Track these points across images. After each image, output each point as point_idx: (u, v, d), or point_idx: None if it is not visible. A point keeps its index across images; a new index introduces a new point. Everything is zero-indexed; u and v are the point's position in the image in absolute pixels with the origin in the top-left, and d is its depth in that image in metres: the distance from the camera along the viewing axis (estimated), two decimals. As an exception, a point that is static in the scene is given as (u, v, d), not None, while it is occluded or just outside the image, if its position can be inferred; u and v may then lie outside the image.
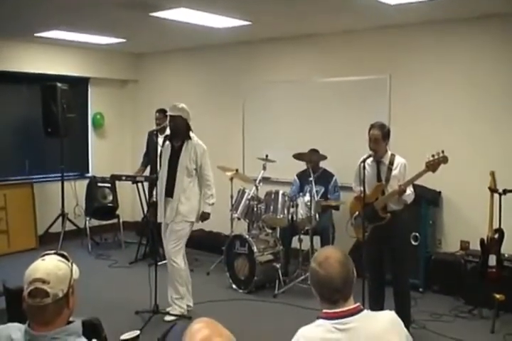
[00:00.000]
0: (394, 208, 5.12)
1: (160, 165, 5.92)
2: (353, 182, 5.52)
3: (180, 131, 5.75)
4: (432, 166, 4.78)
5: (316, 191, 6.70)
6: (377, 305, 5.08)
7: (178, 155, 5.77)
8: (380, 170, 5.15)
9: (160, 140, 6.49)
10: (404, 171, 5.08)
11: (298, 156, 6.85)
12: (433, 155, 4.78)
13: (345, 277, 2.37)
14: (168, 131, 7.49)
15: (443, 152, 4.77)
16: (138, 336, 2.40)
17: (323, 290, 2.38)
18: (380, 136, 5.07)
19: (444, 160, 4.76)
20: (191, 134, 5.80)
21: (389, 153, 5.18)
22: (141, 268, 7.30)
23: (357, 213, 5.34)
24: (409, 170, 5.08)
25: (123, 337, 2.38)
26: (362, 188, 5.02)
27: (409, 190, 5.05)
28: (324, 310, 2.38)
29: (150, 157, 8.10)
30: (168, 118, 5.87)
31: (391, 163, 5.12)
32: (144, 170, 8.40)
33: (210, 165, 5.86)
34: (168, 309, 5.74)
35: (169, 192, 5.78)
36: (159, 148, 6.33)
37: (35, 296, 2.20)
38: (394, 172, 5.09)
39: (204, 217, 5.88)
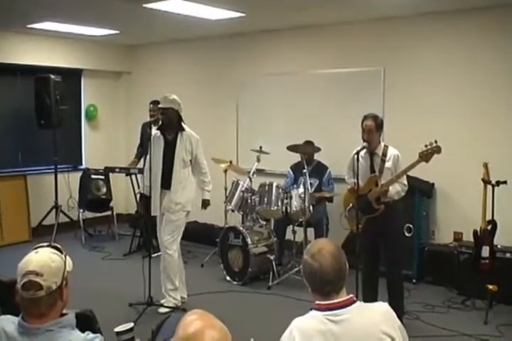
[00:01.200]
0: (388, 199, 5.12)
1: (150, 157, 5.85)
2: (346, 174, 5.53)
3: (172, 122, 5.74)
4: (425, 156, 4.79)
5: (310, 183, 6.69)
6: (370, 297, 5.10)
7: (173, 147, 5.75)
8: (374, 161, 5.16)
9: (154, 132, 6.47)
10: (397, 162, 5.09)
11: (292, 148, 6.83)
12: (426, 145, 4.79)
13: (337, 269, 2.37)
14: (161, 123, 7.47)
15: (436, 142, 4.77)
16: (132, 328, 2.39)
17: (315, 282, 2.39)
18: (373, 127, 5.07)
19: (438, 150, 4.76)
20: (184, 125, 5.79)
21: (382, 144, 5.19)
22: (135, 260, 7.31)
23: (351, 205, 5.34)
24: (402, 161, 5.08)
25: (117, 329, 2.37)
26: (355, 180, 5.03)
27: (398, 187, 5.06)
28: (317, 302, 2.39)
29: (144, 149, 8.08)
30: (159, 110, 5.83)
31: (384, 154, 5.12)
32: (138, 162, 8.37)
33: (203, 154, 5.89)
34: (162, 301, 5.75)
35: (166, 184, 5.77)
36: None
37: (29, 289, 2.19)
38: (387, 164, 5.10)
39: (205, 203, 5.95)
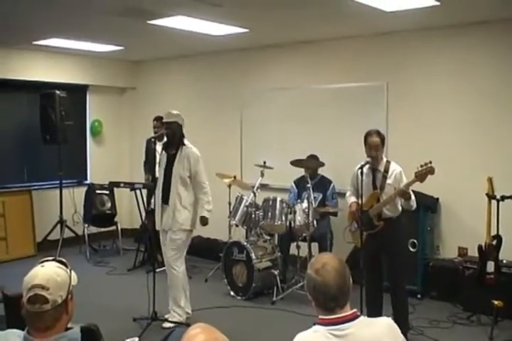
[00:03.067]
0: (389, 215, 5.14)
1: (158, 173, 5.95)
2: (348, 191, 5.53)
3: (176, 137, 5.77)
4: (420, 176, 4.79)
5: (314, 197, 6.70)
6: (375, 312, 5.08)
7: (172, 163, 5.77)
8: (376, 177, 5.18)
9: (158, 147, 6.51)
10: (400, 178, 5.09)
11: (296, 163, 6.85)
12: (421, 166, 4.79)
13: (341, 285, 2.37)
14: (165, 139, 7.52)
15: (430, 162, 4.77)
16: (137, 342, 2.40)
17: (318, 297, 2.39)
18: (379, 142, 5.11)
19: (431, 170, 4.74)
20: (185, 141, 5.81)
21: (384, 160, 5.21)
22: (140, 275, 7.29)
23: (353, 220, 5.36)
24: (406, 176, 5.09)
25: (122, 343, 2.38)
26: (360, 195, 5.03)
27: (412, 196, 5.06)
28: (320, 316, 2.39)
29: (149, 164, 8.11)
30: (164, 125, 5.86)
31: (386, 170, 5.14)
32: (151, 178, 8.38)
33: (204, 172, 5.82)
34: (166, 316, 5.74)
35: (165, 199, 5.78)
36: (157, 156, 6.33)
37: (35, 302, 2.21)
38: (389, 181, 5.11)
39: (203, 221, 5.80)
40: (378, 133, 5.15)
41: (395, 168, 5.14)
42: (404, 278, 5.38)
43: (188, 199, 5.77)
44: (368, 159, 5.09)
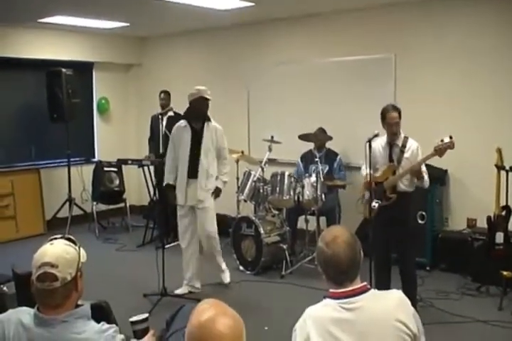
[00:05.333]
0: (404, 189, 5.14)
1: (170, 147, 5.97)
2: (363, 164, 5.52)
3: (202, 112, 5.84)
4: (440, 150, 4.82)
5: (321, 169, 6.68)
6: (383, 285, 5.08)
7: (200, 136, 5.83)
8: (393, 151, 5.17)
9: (163, 122, 6.51)
10: (417, 153, 5.09)
11: (304, 137, 6.83)
12: (442, 140, 4.81)
13: (352, 258, 2.36)
14: (170, 113, 7.54)
15: (451, 137, 4.77)
16: (146, 318, 2.41)
17: (329, 270, 2.39)
18: (398, 118, 5.11)
19: (452, 145, 4.77)
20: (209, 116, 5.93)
21: (402, 135, 5.19)
22: (149, 251, 7.33)
23: (367, 192, 5.36)
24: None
25: (132, 319, 2.40)
26: (369, 168, 5.03)
27: (426, 176, 5.07)
28: (331, 290, 2.39)
29: (155, 142, 8.12)
30: (203, 101, 5.78)
31: (404, 145, 5.14)
32: (154, 156, 8.41)
33: (227, 148, 6.08)
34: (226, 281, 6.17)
35: (193, 173, 5.83)
36: (161, 131, 6.33)
37: (44, 280, 2.22)
38: (406, 155, 5.12)
39: (217, 191, 5.97)
40: (396, 108, 5.14)
41: (412, 143, 5.14)
42: (412, 251, 5.39)
43: (213, 170, 5.92)
44: (376, 132, 5.05)
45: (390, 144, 5.17)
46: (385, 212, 5.11)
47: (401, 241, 5.22)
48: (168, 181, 5.97)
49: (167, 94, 8.11)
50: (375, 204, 4.97)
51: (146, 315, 2.42)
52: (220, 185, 5.97)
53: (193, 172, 5.82)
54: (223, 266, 6.26)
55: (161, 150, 7.75)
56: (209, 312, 1.77)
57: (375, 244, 5.18)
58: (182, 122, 5.92)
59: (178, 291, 5.87)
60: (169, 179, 5.98)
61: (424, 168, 5.08)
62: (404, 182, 5.13)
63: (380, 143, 5.18)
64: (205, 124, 5.85)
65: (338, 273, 2.36)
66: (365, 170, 5.31)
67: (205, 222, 5.92)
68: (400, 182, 5.12)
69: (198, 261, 6.04)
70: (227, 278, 6.24)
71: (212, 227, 5.99)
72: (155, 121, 8.10)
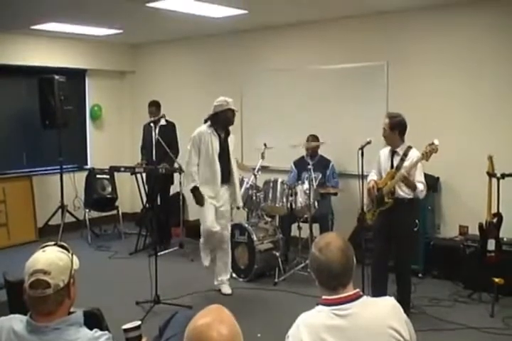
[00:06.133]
0: (402, 195, 5.22)
1: (193, 152, 6.05)
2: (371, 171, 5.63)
3: (233, 123, 6.18)
4: (426, 154, 4.93)
5: (314, 177, 6.71)
6: (379, 291, 5.10)
7: (226, 144, 6.09)
8: (394, 159, 5.30)
9: (156, 131, 6.54)
10: (415, 163, 5.14)
11: (296, 145, 6.86)
12: (431, 143, 4.93)
13: (344, 264, 2.38)
14: (163, 121, 7.57)
15: (433, 143, 4.92)
16: (139, 326, 2.41)
17: (321, 275, 2.40)
18: (386, 125, 5.24)
19: (435, 149, 4.90)
20: None
21: (405, 144, 5.31)
22: (142, 258, 7.31)
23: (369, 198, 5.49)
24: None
25: (124, 326, 2.39)
26: (361, 175, 5.13)
27: (422, 186, 5.16)
28: (324, 297, 2.40)
29: (147, 148, 8.12)
30: (231, 113, 6.03)
31: (405, 154, 5.25)
32: (146, 163, 8.40)
33: None
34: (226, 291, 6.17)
35: (226, 178, 6.08)
36: (154, 139, 6.36)
37: (37, 287, 2.21)
38: (406, 163, 5.19)
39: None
40: (390, 116, 5.32)
41: (413, 154, 5.22)
42: (408, 257, 5.45)
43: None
44: (368, 139, 5.24)
45: (393, 152, 5.31)
46: (384, 217, 5.19)
47: (397, 247, 5.29)
48: (196, 184, 6.04)
49: (154, 106, 8.06)
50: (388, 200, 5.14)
51: (138, 323, 2.42)
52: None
53: (227, 177, 6.09)
54: (227, 276, 6.30)
55: (154, 158, 7.73)
56: (207, 317, 1.79)
57: (374, 248, 5.25)
58: (207, 129, 6.02)
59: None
60: (196, 182, 6.04)
61: (421, 178, 5.19)
62: (403, 189, 5.21)
63: (385, 151, 5.37)
64: (229, 134, 6.15)
65: (331, 278, 2.37)
66: (370, 177, 5.42)
67: (224, 226, 6.15)
68: (399, 188, 5.20)
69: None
70: (228, 290, 6.24)
71: (228, 231, 6.30)
72: (147, 130, 8.10)
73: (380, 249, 5.35)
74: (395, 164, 5.27)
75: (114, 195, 9.00)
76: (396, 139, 5.26)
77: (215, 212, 6.04)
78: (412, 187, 5.12)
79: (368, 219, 5.50)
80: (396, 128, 5.22)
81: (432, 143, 4.90)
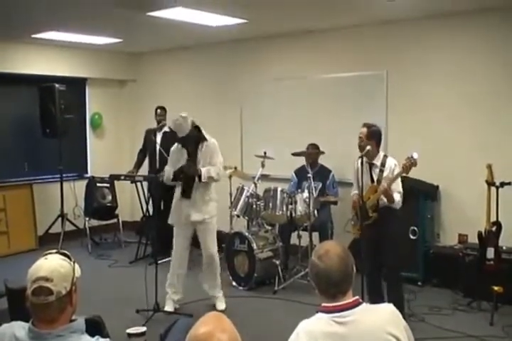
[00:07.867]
0: (386, 204, 5.16)
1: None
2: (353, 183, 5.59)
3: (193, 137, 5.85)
4: (406, 168, 4.90)
5: (314, 187, 6.72)
6: (378, 299, 5.10)
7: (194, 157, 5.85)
8: (373, 171, 5.25)
9: (158, 138, 6.55)
10: (394, 168, 5.15)
11: (297, 154, 6.87)
12: (409, 157, 4.88)
13: (344, 271, 2.40)
14: (166, 128, 7.59)
15: (412, 156, 4.87)
16: (144, 332, 2.42)
17: (321, 283, 2.42)
18: (363, 134, 5.20)
19: (415, 163, 4.86)
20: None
21: (381, 154, 5.27)
22: (142, 267, 7.27)
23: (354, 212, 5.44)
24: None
25: (129, 330, 2.40)
26: (360, 188, 5.13)
27: (398, 197, 5.12)
28: (323, 304, 2.41)
29: (148, 154, 8.16)
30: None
31: (383, 164, 5.20)
32: (137, 171, 8.41)
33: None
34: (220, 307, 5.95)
35: (188, 194, 5.86)
36: (157, 146, 6.35)
37: (39, 294, 2.22)
38: (385, 174, 5.16)
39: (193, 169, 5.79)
40: (367, 125, 5.26)
41: (390, 162, 5.20)
42: (397, 266, 5.40)
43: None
44: (368, 148, 5.15)
45: (370, 164, 5.23)
46: (370, 230, 5.19)
47: (386, 257, 5.26)
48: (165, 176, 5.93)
49: (163, 110, 8.17)
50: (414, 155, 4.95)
51: (144, 329, 2.44)
52: (203, 171, 5.76)
53: (187, 193, 5.82)
54: (218, 290, 6.10)
55: (157, 166, 7.73)
56: (208, 326, 1.79)
57: (366, 261, 5.21)
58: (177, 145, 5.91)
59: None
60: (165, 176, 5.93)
61: (398, 188, 5.14)
62: (382, 197, 5.15)
63: (360, 163, 5.16)
64: (200, 146, 5.84)
65: (330, 285, 2.39)
66: (353, 191, 5.41)
67: (207, 242, 6.07)
68: (380, 198, 5.16)
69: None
70: (222, 305, 6.06)
71: (214, 248, 6.14)
72: (149, 135, 8.12)
73: (371, 263, 5.29)
74: (375, 178, 5.22)
75: (114, 204, 9.00)
76: (374, 150, 5.20)
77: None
78: (390, 200, 5.07)
79: (354, 233, 5.51)
80: (373, 138, 5.19)
81: (412, 157, 4.85)
